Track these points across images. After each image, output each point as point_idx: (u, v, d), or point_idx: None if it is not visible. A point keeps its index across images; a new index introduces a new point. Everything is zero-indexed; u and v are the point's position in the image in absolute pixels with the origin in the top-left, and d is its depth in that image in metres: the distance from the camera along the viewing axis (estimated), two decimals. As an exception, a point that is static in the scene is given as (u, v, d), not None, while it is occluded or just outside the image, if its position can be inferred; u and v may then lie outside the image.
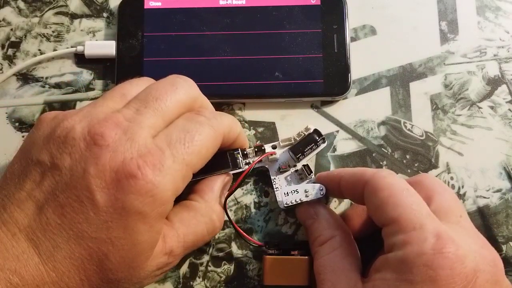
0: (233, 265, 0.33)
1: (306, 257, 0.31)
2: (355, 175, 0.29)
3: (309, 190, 0.32)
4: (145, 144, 0.26)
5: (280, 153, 0.33)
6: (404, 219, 0.26)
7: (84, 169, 0.25)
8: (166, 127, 0.28)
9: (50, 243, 0.25)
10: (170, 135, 0.27)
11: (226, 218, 0.34)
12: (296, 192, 0.32)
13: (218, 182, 0.32)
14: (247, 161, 0.33)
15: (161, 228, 0.27)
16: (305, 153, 0.32)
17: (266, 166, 0.33)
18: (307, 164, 0.33)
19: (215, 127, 0.28)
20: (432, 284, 0.24)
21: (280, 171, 0.33)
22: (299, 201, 0.32)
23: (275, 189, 0.33)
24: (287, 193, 0.32)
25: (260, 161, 0.33)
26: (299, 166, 0.33)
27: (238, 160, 0.32)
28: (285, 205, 0.32)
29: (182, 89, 0.29)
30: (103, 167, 0.25)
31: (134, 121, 0.26)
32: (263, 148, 0.33)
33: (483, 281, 0.24)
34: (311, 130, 0.33)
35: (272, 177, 0.33)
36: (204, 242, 0.31)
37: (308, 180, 0.33)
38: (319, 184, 0.32)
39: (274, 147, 0.33)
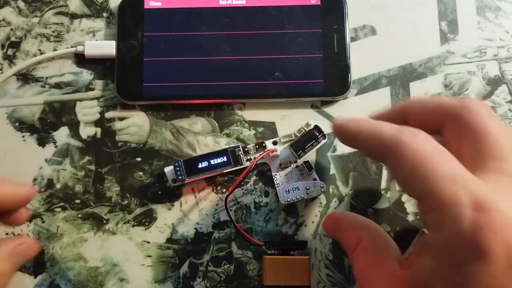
0: (233, 265, 0.33)
1: (306, 257, 0.31)
2: (372, 137, 0.25)
3: (310, 187, 0.32)
4: None
5: (280, 150, 0.33)
6: (436, 193, 0.22)
7: None
8: None
9: None
10: None
11: (226, 218, 0.34)
12: (297, 189, 0.32)
13: (5, 245, 0.28)
14: (248, 158, 0.33)
15: None
16: (305, 150, 0.33)
17: (267, 163, 0.33)
18: (308, 161, 0.33)
19: None
20: (480, 262, 0.20)
21: (281, 167, 0.33)
22: (300, 198, 0.32)
23: (276, 185, 0.33)
24: (288, 191, 0.32)
25: (261, 158, 0.33)
26: (299, 162, 0.33)
27: (239, 157, 0.32)
28: (286, 202, 0.32)
29: None
30: None
31: None
32: (264, 144, 0.33)
33: None
34: (312, 126, 0.33)
35: (273, 173, 0.33)
36: None
37: (309, 177, 0.33)
38: (320, 181, 0.32)
39: (274, 143, 0.33)
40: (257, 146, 0.33)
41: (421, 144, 0.23)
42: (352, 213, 0.32)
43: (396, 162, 0.23)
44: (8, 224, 0.30)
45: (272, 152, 0.33)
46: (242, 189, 0.34)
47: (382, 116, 0.28)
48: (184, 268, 0.33)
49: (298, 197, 0.32)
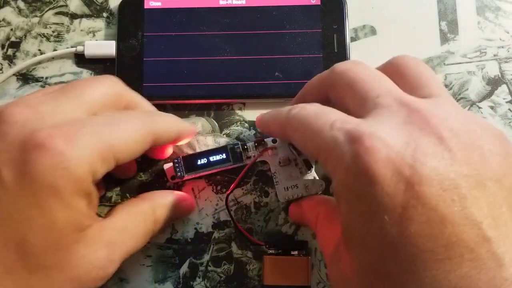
0: (233, 265, 0.33)
1: (306, 257, 0.31)
2: (272, 119, 0.29)
3: (309, 185, 0.32)
4: (59, 119, 0.24)
5: (280, 147, 0.33)
6: (322, 145, 0.23)
7: None
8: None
9: None
10: (95, 118, 0.26)
11: (226, 218, 0.34)
12: (296, 187, 0.32)
13: (171, 195, 0.31)
14: (248, 155, 0.33)
15: (81, 209, 0.24)
16: None
17: (267, 161, 0.33)
18: (307, 159, 0.33)
19: (146, 123, 0.27)
20: (373, 186, 0.21)
21: (280, 165, 0.33)
22: (299, 196, 0.32)
23: (275, 183, 0.33)
24: (287, 188, 0.32)
25: (261, 155, 0.33)
26: (299, 160, 0.33)
27: (239, 155, 0.32)
28: (285, 199, 0.32)
29: (104, 83, 0.28)
30: (11, 141, 0.23)
31: (48, 103, 0.25)
32: (263, 142, 0.33)
33: (423, 147, 0.21)
34: None
35: (272, 171, 0.33)
36: (144, 242, 0.29)
37: (308, 175, 0.33)
38: (319, 179, 0.32)
39: (274, 141, 0.33)
40: (256, 144, 0.33)
41: (306, 111, 0.25)
42: (308, 197, 0.32)
43: (291, 134, 0.26)
44: (154, 157, 0.33)
45: (272, 150, 0.33)
46: (242, 189, 0.34)
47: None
48: (184, 268, 0.33)
49: (297, 194, 0.32)
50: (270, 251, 0.32)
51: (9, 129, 0.23)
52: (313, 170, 0.33)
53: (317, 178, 0.32)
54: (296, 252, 0.32)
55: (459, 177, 0.21)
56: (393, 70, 0.26)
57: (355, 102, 0.25)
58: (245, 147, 0.33)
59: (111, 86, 0.28)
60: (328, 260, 0.26)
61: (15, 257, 0.22)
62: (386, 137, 0.21)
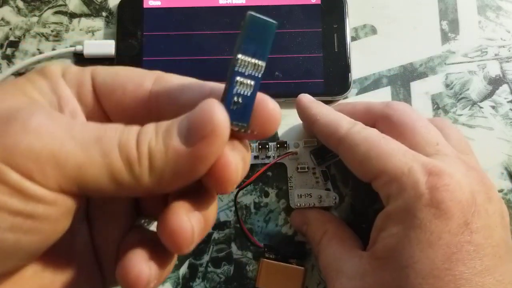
0: (232, 266, 0.33)
1: (302, 268, 0.31)
2: (330, 126, 0.28)
3: (323, 197, 0.32)
4: None
5: (301, 153, 0.33)
6: (391, 167, 0.25)
7: None
8: None
9: None
10: None
11: (226, 218, 0.34)
12: (309, 196, 0.32)
13: None
14: (268, 155, 0.33)
15: None
16: (326, 159, 0.32)
17: (285, 163, 0.33)
18: (326, 170, 0.33)
19: None
20: (440, 220, 0.23)
21: (298, 171, 0.33)
22: (312, 205, 0.32)
23: (289, 187, 0.32)
24: (300, 195, 0.32)
25: (281, 158, 0.33)
26: (317, 170, 0.33)
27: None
28: (296, 206, 0.32)
29: None
30: None
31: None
32: (285, 145, 0.33)
33: (481, 201, 0.24)
34: None
35: (289, 175, 0.33)
36: None
37: (323, 186, 0.33)
38: (333, 193, 0.32)
39: (296, 146, 0.33)
40: (278, 145, 0.33)
41: (370, 132, 0.27)
42: (315, 209, 0.32)
43: (350, 149, 0.27)
44: None
45: (293, 154, 0.33)
46: (242, 189, 0.34)
47: None
48: (184, 268, 0.33)
49: (309, 203, 0.32)
50: (268, 254, 0.31)
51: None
52: (329, 182, 0.33)
53: (332, 191, 0.32)
54: (293, 261, 0.31)
55: (496, 239, 0.24)
56: (437, 127, 0.29)
57: (413, 142, 0.27)
58: (267, 146, 0.33)
59: None
60: (344, 274, 0.26)
61: None
62: (461, 181, 0.24)
